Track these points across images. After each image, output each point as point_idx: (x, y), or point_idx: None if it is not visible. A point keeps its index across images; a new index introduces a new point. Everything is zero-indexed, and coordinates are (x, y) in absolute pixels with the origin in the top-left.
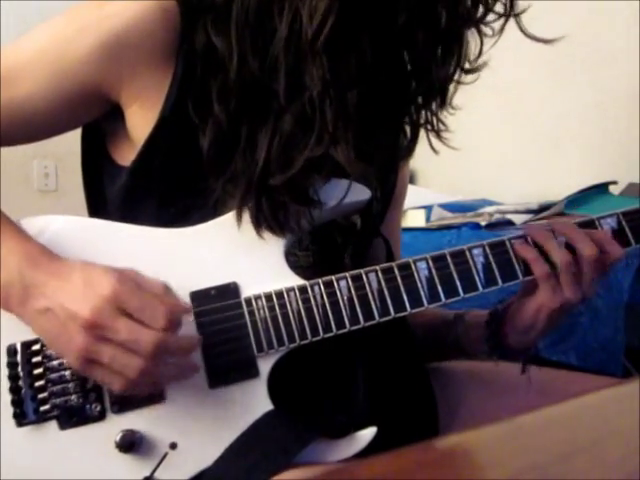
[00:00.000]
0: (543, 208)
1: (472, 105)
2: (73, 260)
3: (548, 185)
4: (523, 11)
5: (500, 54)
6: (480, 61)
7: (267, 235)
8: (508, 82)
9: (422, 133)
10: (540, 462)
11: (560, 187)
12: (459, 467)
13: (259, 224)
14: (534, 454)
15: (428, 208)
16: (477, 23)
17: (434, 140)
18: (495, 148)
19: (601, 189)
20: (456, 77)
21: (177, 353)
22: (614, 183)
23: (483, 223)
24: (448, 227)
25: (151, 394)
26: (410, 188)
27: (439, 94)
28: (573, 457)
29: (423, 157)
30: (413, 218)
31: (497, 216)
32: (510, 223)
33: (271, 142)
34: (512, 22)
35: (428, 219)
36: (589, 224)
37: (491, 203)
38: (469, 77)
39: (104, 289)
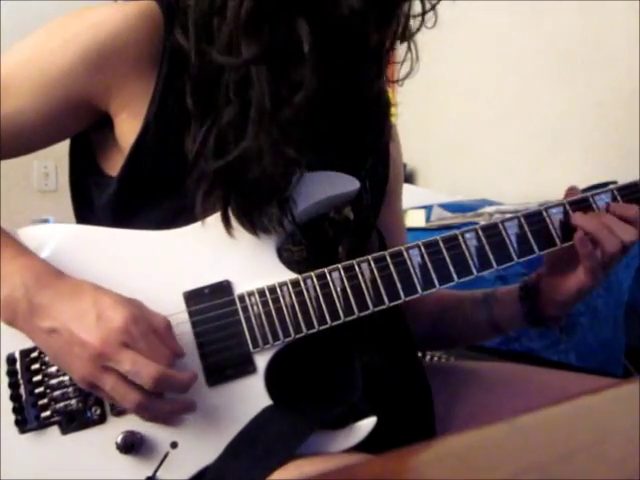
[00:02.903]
0: None
1: (472, 105)
2: (76, 276)
3: (548, 185)
4: None
5: (500, 54)
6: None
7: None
8: (508, 82)
9: (416, 134)
10: (540, 462)
11: (560, 187)
12: (459, 467)
13: (227, 222)
14: (534, 454)
15: (428, 208)
16: None
17: (434, 140)
18: (495, 148)
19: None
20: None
21: (177, 388)
22: (614, 183)
23: (483, 223)
24: (448, 227)
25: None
26: (410, 188)
27: (375, 65)
28: (573, 457)
29: (423, 157)
30: (413, 218)
31: (497, 216)
32: None
33: (209, 133)
34: (512, 23)
35: (428, 219)
36: (583, 201)
37: (491, 203)
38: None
39: (117, 320)
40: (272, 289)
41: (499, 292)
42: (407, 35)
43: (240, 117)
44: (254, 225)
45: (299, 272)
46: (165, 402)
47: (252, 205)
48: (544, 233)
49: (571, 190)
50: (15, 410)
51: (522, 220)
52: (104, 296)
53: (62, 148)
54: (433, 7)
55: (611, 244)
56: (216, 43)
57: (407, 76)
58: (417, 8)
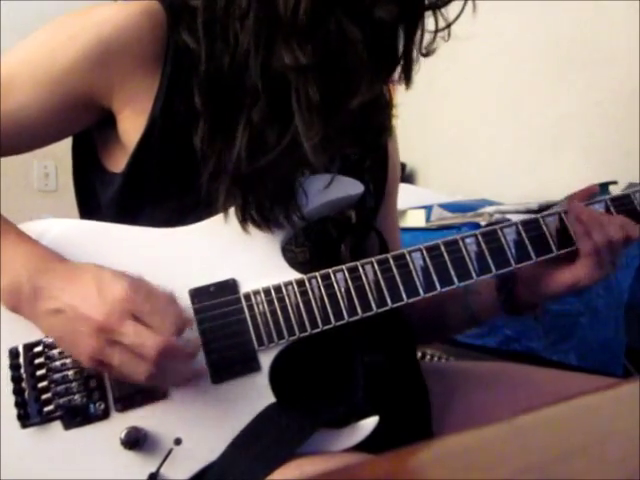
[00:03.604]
0: (543, 208)
1: (472, 105)
2: (79, 262)
3: (548, 185)
4: None
5: (500, 54)
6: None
7: (263, 231)
8: (508, 82)
9: (416, 134)
10: (540, 462)
11: (560, 187)
12: (459, 467)
13: (244, 219)
14: (534, 454)
15: (428, 208)
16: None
17: (434, 140)
18: (495, 148)
19: (601, 189)
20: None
21: (181, 358)
22: (614, 183)
23: (483, 223)
24: (448, 227)
25: (154, 391)
26: (410, 188)
27: (404, 72)
28: (573, 457)
29: (423, 157)
30: (413, 218)
31: (497, 216)
32: None
33: (242, 134)
34: (511, 22)
35: (428, 219)
36: None
37: (491, 203)
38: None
39: (116, 294)
40: (277, 288)
41: (476, 284)
42: (422, 49)
43: (272, 116)
44: (267, 221)
45: (302, 273)
46: (174, 371)
47: (266, 201)
48: (541, 240)
49: (591, 188)
50: (18, 404)
51: (520, 227)
52: (104, 271)
53: (62, 148)
54: (449, 25)
55: (602, 236)
56: (240, 43)
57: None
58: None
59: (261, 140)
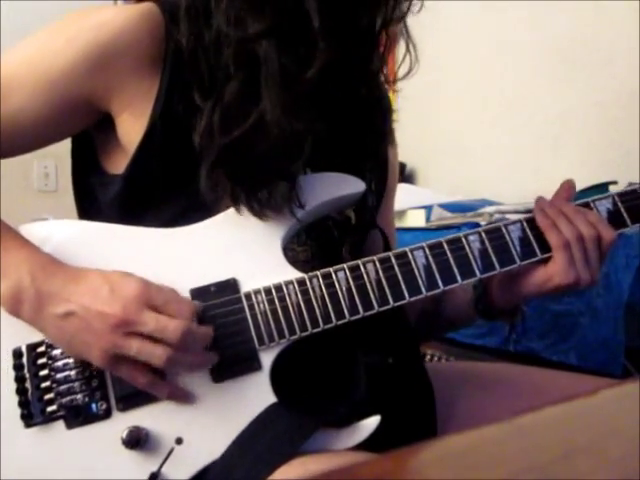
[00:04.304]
0: None
1: (472, 105)
2: (81, 266)
3: (548, 185)
4: None
5: (500, 54)
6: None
7: (265, 230)
8: (508, 82)
9: (416, 134)
10: (540, 462)
11: None
12: (459, 467)
13: (235, 200)
14: (534, 454)
15: (428, 208)
16: None
17: (434, 140)
18: (495, 148)
19: (601, 189)
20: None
21: (200, 340)
22: (614, 183)
23: (483, 223)
24: (448, 227)
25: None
26: (410, 188)
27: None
28: (573, 457)
29: (423, 157)
30: (413, 218)
31: (497, 216)
32: None
33: (214, 110)
34: (512, 23)
35: (428, 219)
36: (584, 206)
37: (491, 203)
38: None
39: (131, 289)
40: (278, 287)
41: None
42: (397, 17)
43: (244, 92)
44: (262, 206)
45: (303, 272)
46: (191, 354)
47: (260, 184)
48: (544, 238)
49: (568, 183)
50: (21, 404)
51: (524, 224)
52: (110, 273)
53: (62, 148)
54: None
55: (570, 229)
56: (215, 21)
57: (406, 76)
58: None
59: (233, 115)
